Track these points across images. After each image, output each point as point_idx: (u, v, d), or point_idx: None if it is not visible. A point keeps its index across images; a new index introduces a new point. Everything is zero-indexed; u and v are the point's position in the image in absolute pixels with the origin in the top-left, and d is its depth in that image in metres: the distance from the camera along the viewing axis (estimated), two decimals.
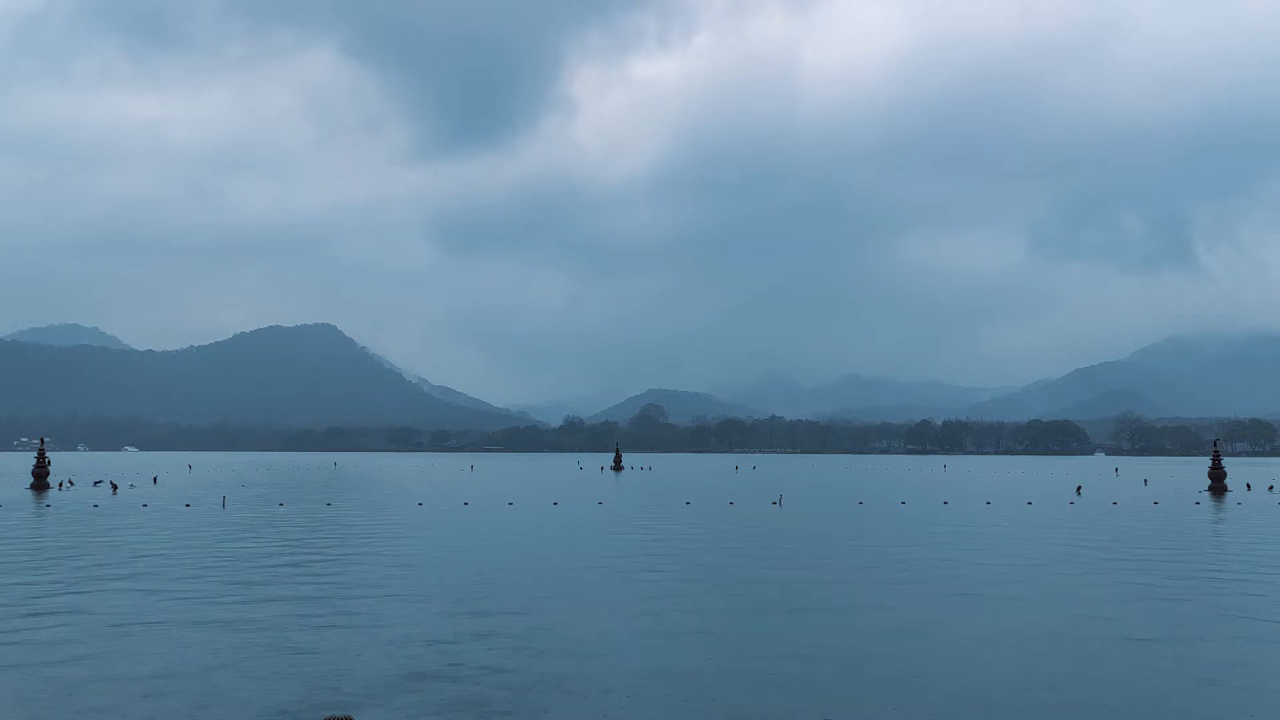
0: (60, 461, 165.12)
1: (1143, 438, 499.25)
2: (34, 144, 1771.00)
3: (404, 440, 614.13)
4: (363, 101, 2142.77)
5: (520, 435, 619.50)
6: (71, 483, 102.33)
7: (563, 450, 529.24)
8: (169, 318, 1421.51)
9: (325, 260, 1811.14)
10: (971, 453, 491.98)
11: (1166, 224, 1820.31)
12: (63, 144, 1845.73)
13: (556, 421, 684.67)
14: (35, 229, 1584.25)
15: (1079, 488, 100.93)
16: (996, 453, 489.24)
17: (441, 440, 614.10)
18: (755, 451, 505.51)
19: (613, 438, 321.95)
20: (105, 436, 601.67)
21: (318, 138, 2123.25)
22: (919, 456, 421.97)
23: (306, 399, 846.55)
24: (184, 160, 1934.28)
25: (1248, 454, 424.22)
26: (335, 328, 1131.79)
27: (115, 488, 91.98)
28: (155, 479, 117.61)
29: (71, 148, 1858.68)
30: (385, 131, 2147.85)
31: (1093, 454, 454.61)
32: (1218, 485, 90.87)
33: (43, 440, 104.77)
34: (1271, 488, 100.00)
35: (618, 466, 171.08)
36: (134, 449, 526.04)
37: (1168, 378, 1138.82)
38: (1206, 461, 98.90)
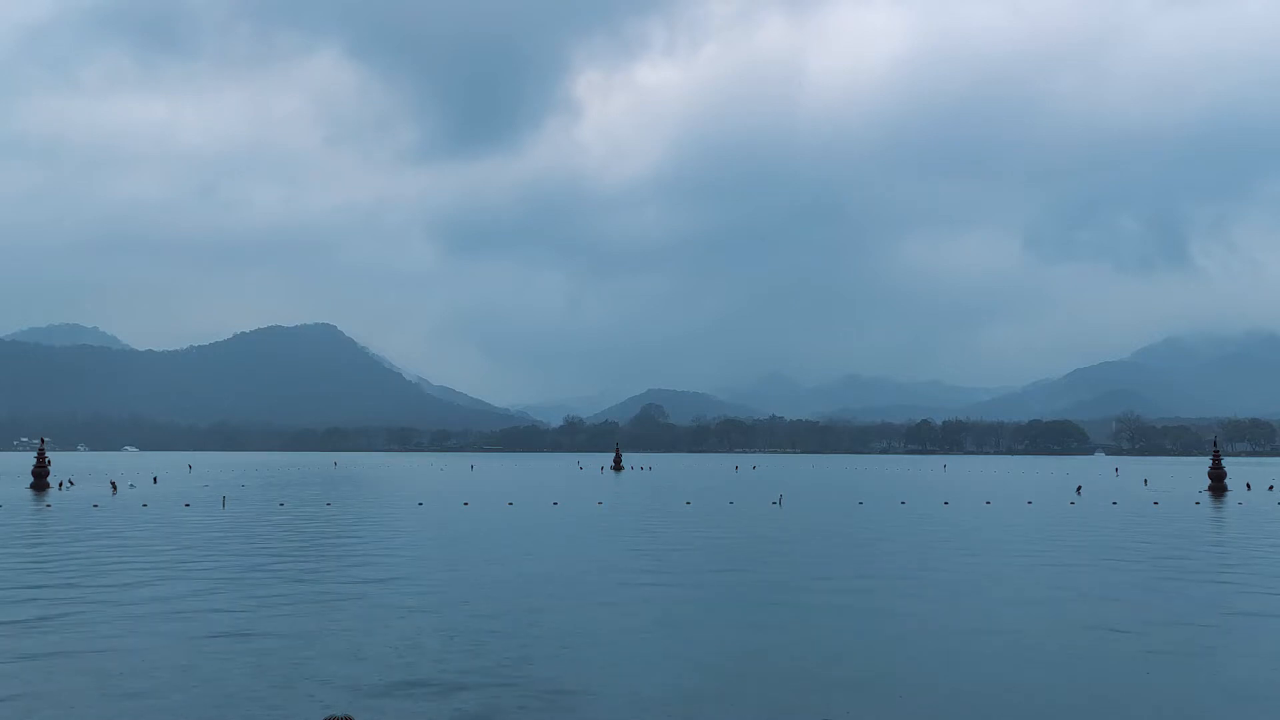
0: (60, 461, 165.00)
1: (1142, 438, 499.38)
2: (43, 148, 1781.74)
3: (404, 440, 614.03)
4: (368, 103, 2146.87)
5: (520, 435, 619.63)
6: (72, 482, 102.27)
7: (563, 450, 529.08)
8: (169, 318, 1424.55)
9: (327, 261, 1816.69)
10: (971, 453, 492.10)
11: (1163, 226, 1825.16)
12: (71, 147, 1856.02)
13: (556, 421, 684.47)
14: (40, 230, 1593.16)
15: (1079, 488, 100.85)
16: (996, 453, 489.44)
17: (441, 440, 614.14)
18: (755, 451, 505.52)
19: (613, 438, 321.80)
20: (105, 436, 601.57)
21: (323, 140, 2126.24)
22: (919, 456, 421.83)
23: (306, 399, 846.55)
24: (189, 163, 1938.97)
25: (1248, 454, 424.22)
26: (335, 328, 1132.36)
27: (115, 487, 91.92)
28: (155, 479, 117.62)
29: (80, 151, 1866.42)
30: (390, 133, 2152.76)
31: (1092, 454, 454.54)
32: (1218, 485, 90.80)
33: (43, 440, 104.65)
34: (1271, 488, 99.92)
35: (618, 466, 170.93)
36: (134, 449, 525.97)
37: (1167, 378, 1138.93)
38: (1206, 461, 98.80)
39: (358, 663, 19.86)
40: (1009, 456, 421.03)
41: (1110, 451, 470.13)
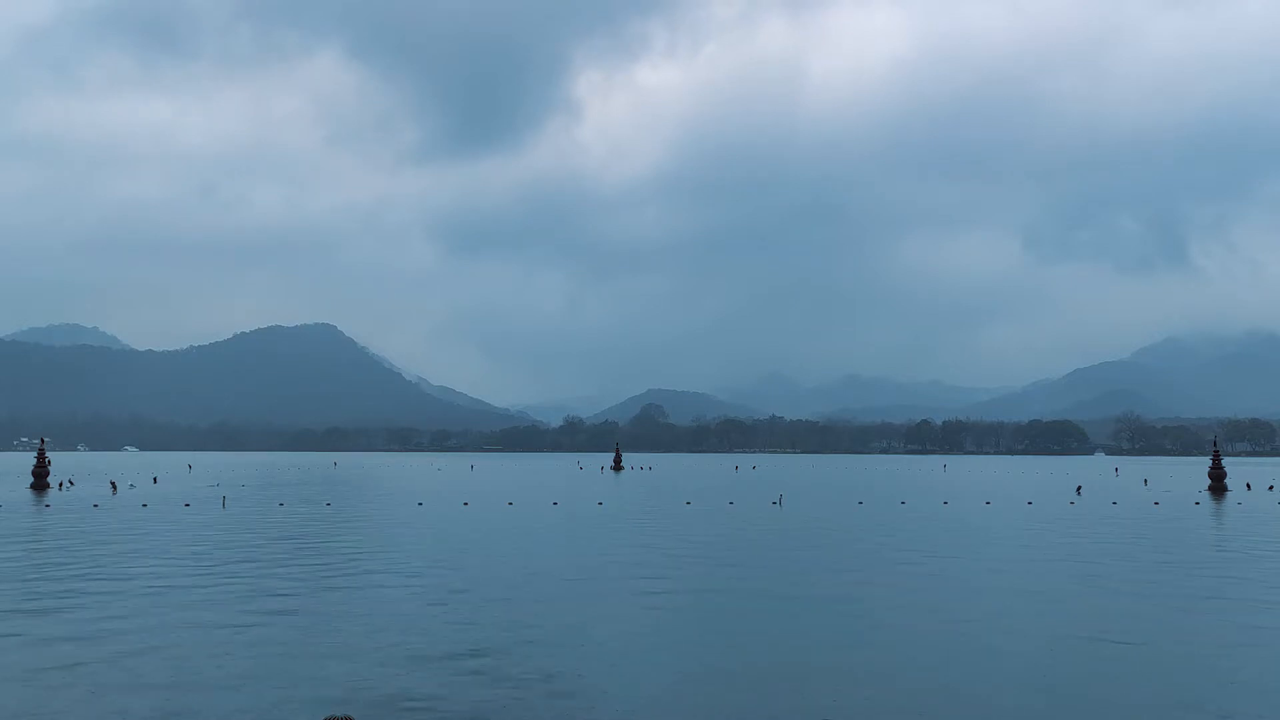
0: (60, 461, 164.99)
1: (1142, 438, 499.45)
2: (45, 148, 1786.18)
3: (404, 440, 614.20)
4: (368, 104, 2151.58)
5: (520, 435, 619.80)
6: (72, 482, 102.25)
7: (563, 450, 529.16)
8: (169, 318, 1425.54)
9: (328, 261, 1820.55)
10: (971, 453, 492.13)
11: (1163, 226, 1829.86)
12: (72, 148, 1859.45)
13: (556, 421, 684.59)
14: (40, 230, 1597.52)
15: (1079, 488, 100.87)
16: (996, 453, 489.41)
17: (441, 440, 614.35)
18: (755, 451, 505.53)
19: (613, 438, 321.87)
20: (105, 436, 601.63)
21: (323, 140, 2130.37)
22: (919, 456, 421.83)
23: (306, 399, 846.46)
24: (190, 163, 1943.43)
25: (1248, 454, 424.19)
26: (335, 328, 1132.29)
27: (115, 487, 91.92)
28: (155, 479, 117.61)
29: (81, 151, 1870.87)
30: (390, 133, 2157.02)
31: (1092, 454, 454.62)
32: (1218, 485, 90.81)
33: (43, 440, 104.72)
34: (1271, 488, 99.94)
35: (618, 466, 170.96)
36: (134, 449, 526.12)
37: (1167, 378, 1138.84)
38: (1206, 461, 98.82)
39: (357, 662, 19.84)
40: (1009, 456, 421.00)
41: (1110, 451, 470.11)
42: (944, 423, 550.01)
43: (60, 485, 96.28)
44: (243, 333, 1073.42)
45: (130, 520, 56.20)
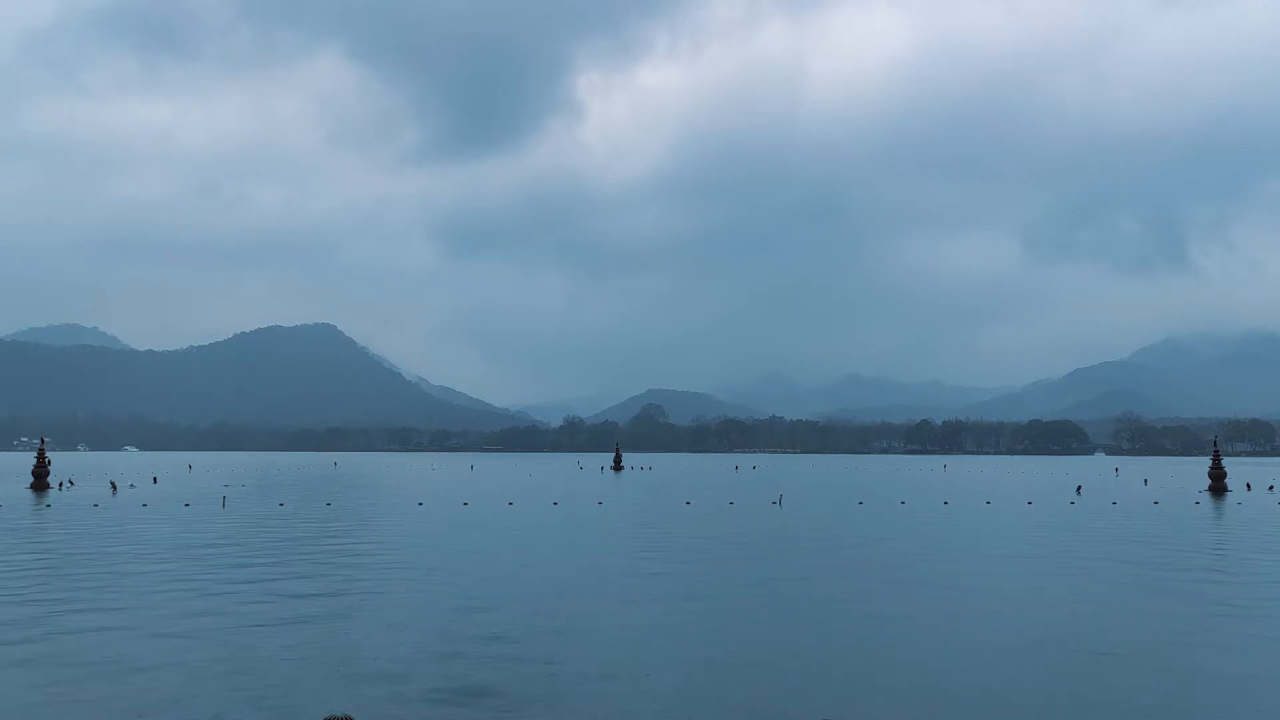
0: (60, 461, 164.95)
1: (1142, 437, 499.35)
2: (46, 149, 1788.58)
3: (404, 440, 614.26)
4: (369, 104, 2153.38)
5: (520, 435, 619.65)
6: (72, 482, 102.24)
7: (563, 450, 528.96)
8: (169, 318, 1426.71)
9: (327, 261, 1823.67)
10: (971, 453, 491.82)
11: (1163, 226, 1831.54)
12: (74, 148, 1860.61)
13: (556, 421, 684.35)
14: (41, 230, 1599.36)
15: (1079, 488, 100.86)
16: (996, 453, 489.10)
17: (441, 440, 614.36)
18: (755, 451, 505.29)
19: (613, 438, 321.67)
20: (105, 436, 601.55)
21: (324, 140, 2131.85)
22: (919, 456, 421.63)
23: (306, 399, 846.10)
24: (191, 163, 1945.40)
25: (1248, 454, 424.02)
26: (335, 328, 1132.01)
27: (115, 487, 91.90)
28: (155, 479, 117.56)
29: (82, 152, 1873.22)
30: (391, 134, 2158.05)
31: (1093, 454, 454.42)
32: (1218, 485, 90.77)
33: (43, 440, 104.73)
34: (1271, 487, 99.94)
35: (618, 466, 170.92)
36: (134, 449, 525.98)
37: (1167, 378, 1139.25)
38: (1206, 461, 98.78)
39: (357, 662, 19.86)
40: (1009, 456, 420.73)
41: (1110, 451, 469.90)
42: (944, 423, 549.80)
43: (60, 485, 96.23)
44: (243, 333, 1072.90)
45: (130, 520, 56.19)
